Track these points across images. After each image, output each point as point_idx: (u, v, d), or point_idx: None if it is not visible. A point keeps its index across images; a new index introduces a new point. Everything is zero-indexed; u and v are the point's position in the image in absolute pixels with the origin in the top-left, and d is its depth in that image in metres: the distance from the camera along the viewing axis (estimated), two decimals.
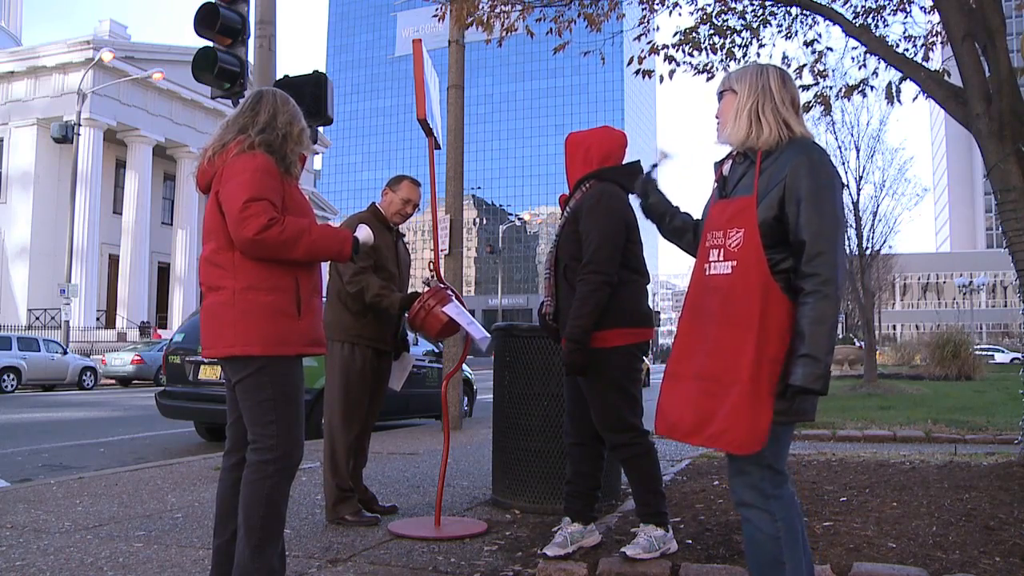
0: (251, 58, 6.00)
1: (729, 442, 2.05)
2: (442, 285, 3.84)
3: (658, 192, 2.63)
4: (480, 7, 6.20)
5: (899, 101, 6.08)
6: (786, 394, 2.02)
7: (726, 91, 2.28)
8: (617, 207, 3.14)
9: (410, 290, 4.05)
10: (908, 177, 20.48)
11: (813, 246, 2.03)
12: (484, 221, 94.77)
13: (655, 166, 2.71)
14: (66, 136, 24.52)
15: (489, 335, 3.85)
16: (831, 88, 6.76)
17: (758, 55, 6.74)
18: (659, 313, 58.10)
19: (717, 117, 2.31)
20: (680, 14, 6.84)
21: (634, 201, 3.17)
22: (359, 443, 4.09)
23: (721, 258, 2.15)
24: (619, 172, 3.24)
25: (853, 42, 6.04)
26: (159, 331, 25.77)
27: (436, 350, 8.76)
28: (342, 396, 3.95)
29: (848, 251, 16.85)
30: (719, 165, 2.33)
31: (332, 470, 3.91)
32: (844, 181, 2.34)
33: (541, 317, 3.35)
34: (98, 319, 29.76)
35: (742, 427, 2.02)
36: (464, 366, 8.21)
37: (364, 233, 2.81)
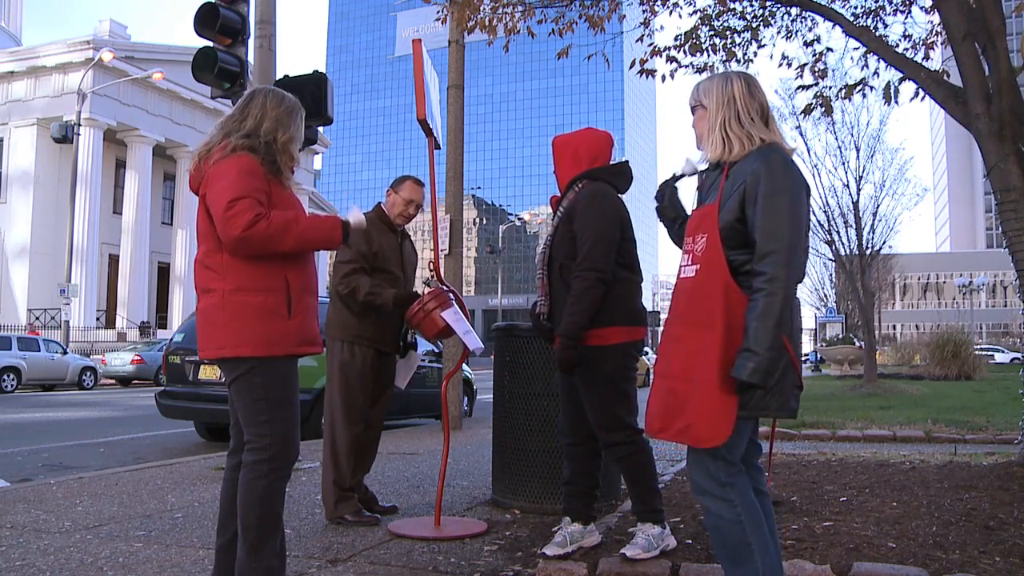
0: (251, 58, 6.00)
1: (693, 436, 2.16)
2: (444, 287, 3.83)
3: (675, 199, 2.65)
4: (481, 10, 6.21)
5: (896, 102, 6.08)
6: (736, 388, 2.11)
7: (697, 106, 2.35)
8: (611, 205, 3.16)
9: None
10: (908, 177, 20.47)
11: (764, 245, 2.13)
12: (484, 221, 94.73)
13: (680, 176, 2.63)
14: (66, 136, 24.50)
15: (483, 345, 3.86)
16: (831, 88, 6.77)
17: (756, 55, 6.74)
18: (658, 313, 58.12)
19: (694, 129, 2.39)
20: (680, 15, 6.83)
21: (626, 202, 3.17)
22: (365, 450, 4.06)
23: (689, 262, 2.28)
24: (610, 172, 3.28)
25: (853, 42, 6.05)
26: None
27: (436, 350, 8.75)
28: (342, 395, 3.93)
29: (848, 251, 16.87)
30: (701, 175, 2.44)
31: (333, 469, 3.90)
32: (808, 186, 2.33)
33: (534, 317, 3.34)
34: (98, 319, 29.76)
35: (704, 422, 2.13)
36: (464, 366, 8.22)
37: (355, 216, 2.74)
